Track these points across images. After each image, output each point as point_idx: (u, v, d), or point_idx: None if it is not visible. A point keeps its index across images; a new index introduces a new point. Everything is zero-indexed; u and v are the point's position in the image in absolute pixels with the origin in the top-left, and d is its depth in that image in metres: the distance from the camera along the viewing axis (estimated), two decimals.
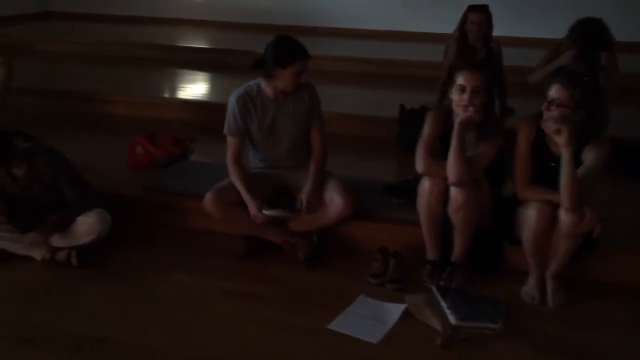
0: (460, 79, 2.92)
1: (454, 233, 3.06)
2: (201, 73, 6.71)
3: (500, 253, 3.17)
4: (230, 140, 3.30)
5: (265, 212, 3.14)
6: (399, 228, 3.32)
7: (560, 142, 2.70)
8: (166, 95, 5.97)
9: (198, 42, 8.00)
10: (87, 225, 3.14)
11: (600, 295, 3.00)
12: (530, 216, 2.83)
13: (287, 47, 3.15)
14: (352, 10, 8.02)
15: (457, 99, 2.93)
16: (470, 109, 2.87)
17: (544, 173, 2.91)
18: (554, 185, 2.83)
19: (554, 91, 2.78)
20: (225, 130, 3.31)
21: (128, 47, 7.17)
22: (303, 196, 3.19)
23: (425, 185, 2.98)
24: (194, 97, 5.76)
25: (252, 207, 3.16)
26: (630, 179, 4.07)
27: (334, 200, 3.17)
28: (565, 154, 2.71)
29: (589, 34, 4.18)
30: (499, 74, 4.75)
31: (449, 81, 4.62)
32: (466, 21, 4.68)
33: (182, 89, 6.19)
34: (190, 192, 3.56)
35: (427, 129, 3.04)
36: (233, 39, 7.77)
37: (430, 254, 3.11)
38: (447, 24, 7.45)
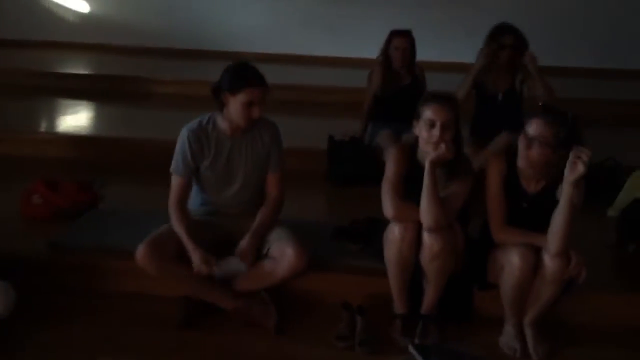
0: (428, 113, 2.65)
1: (424, 282, 2.77)
2: (90, 103, 6.04)
3: (470, 299, 2.92)
4: (177, 181, 2.85)
5: (218, 268, 2.70)
6: (362, 278, 2.99)
7: (570, 178, 2.44)
8: (56, 130, 5.27)
9: (82, 68, 7.27)
10: None
11: (583, 342, 2.82)
12: (512, 263, 2.60)
13: (238, 71, 2.78)
14: (247, 33, 7.63)
15: (426, 136, 2.65)
16: (442, 145, 2.60)
17: (514, 214, 2.71)
18: (525, 227, 2.65)
19: (534, 128, 2.57)
20: (173, 168, 2.86)
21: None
22: (241, 244, 2.79)
23: (395, 231, 2.66)
24: (86, 132, 5.12)
25: (196, 258, 2.70)
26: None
27: (286, 254, 2.76)
28: (567, 192, 2.48)
29: (500, 28, 4.10)
30: None
31: (373, 109, 4.56)
32: (389, 47, 4.47)
33: (71, 122, 5.50)
34: (110, 247, 3.05)
35: (391, 167, 2.74)
36: (121, 63, 7.15)
37: (399, 307, 2.80)
38: (341, 47, 7.63)
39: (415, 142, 2.77)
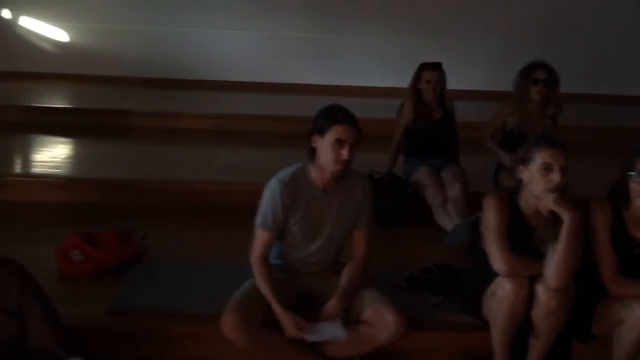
0: (543, 157, 2.50)
1: (530, 338, 2.61)
2: (73, 139, 5.58)
3: (569, 352, 2.78)
4: (263, 236, 2.63)
5: (312, 334, 2.47)
6: (449, 334, 2.81)
7: None
8: (58, 172, 4.83)
9: (68, 102, 6.85)
10: None
11: None
12: (637, 317, 2.47)
13: (327, 111, 2.62)
14: (235, 62, 7.40)
15: (544, 181, 2.50)
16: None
17: (625, 262, 2.59)
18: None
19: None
20: (259, 221, 2.64)
21: None
22: (328, 306, 2.58)
23: (507, 287, 2.49)
24: (90, 174, 4.66)
25: (287, 322, 2.50)
26: None
27: (385, 320, 2.55)
28: None
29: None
30: (454, 134, 4.48)
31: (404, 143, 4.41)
32: (420, 80, 4.35)
33: (67, 161, 5.11)
34: (170, 309, 2.82)
35: (494, 218, 2.57)
36: (103, 95, 6.76)
37: None
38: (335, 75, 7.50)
39: (514, 189, 2.63)
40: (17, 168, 5.01)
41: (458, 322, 2.78)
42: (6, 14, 7.22)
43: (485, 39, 7.39)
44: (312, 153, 2.62)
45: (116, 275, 3.12)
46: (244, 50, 7.45)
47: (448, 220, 3.91)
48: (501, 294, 2.51)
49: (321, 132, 2.57)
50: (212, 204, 4.16)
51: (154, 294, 2.95)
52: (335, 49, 7.49)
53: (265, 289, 2.56)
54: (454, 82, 4.50)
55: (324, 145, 2.57)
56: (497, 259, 2.51)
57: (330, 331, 2.53)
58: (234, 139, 5.66)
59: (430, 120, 4.37)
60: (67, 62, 7.24)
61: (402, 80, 4.47)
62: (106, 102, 6.47)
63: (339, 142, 2.55)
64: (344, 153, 2.55)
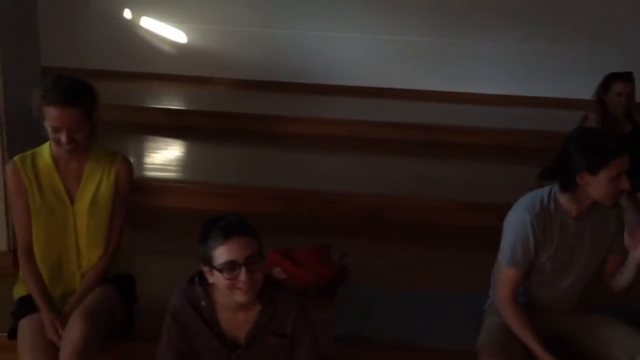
0: None
1: None
2: (226, 143, 5.37)
3: None
4: (512, 273, 2.41)
5: None
6: None
7: None
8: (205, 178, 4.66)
9: (194, 104, 6.68)
10: None
11: None
12: None
13: (593, 145, 2.32)
14: (350, 66, 7.16)
15: None
16: None
17: None
18: None
19: None
20: (507, 259, 2.41)
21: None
22: None
23: None
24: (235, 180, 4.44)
25: None
26: None
27: None
28: None
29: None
30: None
31: None
32: (608, 91, 4.02)
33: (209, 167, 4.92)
34: (412, 342, 2.62)
35: None
36: (227, 98, 6.62)
37: None
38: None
39: None
40: (172, 173, 4.81)
41: None
42: (127, 14, 7.14)
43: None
44: (568, 185, 2.36)
45: (319, 296, 2.89)
46: (360, 53, 7.20)
47: None
48: None
49: (593, 170, 2.29)
50: (383, 218, 3.93)
51: (376, 322, 2.74)
52: (454, 54, 7.19)
53: (522, 332, 2.34)
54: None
55: (599, 183, 2.30)
56: None
57: None
58: (363, 147, 5.41)
59: (618, 135, 4.02)
60: (183, 64, 7.15)
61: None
62: (230, 105, 6.29)
63: (619, 176, 2.29)
64: (624, 183, 2.30)
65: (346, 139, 5.56)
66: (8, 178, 2.50)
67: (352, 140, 5.52)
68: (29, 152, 2.52)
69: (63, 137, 2.33)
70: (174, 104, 6.48)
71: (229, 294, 1.95)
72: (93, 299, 2.42)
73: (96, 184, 2.49)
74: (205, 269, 1.99)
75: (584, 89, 4.38)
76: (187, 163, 5.06)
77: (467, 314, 2.64)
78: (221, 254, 1.91)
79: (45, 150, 2.49)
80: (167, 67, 7.08)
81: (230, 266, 1.90)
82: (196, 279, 2.06)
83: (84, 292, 2.45)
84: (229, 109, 6.06)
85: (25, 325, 2.39)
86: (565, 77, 6.75)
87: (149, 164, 4.79)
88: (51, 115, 2.31)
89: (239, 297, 1.94)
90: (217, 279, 1.94)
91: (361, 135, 5.62)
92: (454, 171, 4.96)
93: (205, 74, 7.11)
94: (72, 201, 2.48)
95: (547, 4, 6.87)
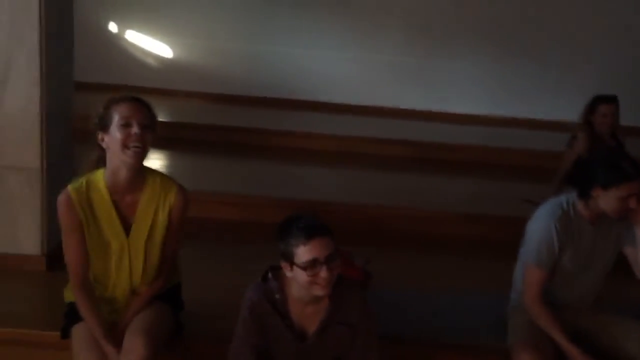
0: None
1: None
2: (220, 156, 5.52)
3: None
4: (539, 274, 2.64)
5: None
6: None
7: None
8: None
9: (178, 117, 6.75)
10: None
11: None
12: None
13: (614, 165, 2.57)
14: (339, 85, 7.37)
15: None
16: None
17: None
18: None
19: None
20: (535, 261, 2.64)
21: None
22: None
23: None
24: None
25: None
26: None
27: None
28: None
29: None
30: None
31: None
32: (594, 113, 4.34)
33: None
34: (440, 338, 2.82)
35: None
36: (212, 112, 6.76)
37: None
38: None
39: None
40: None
41: None
42: (113, 27, 7.19)
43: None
44: (583, 194, 2.61)
45: None
46: (343, 72, 7.42)
47: None
48: None
49: (605, 186, 2.53)
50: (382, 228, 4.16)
51: (407, 322, 2.92)
52: (430, 73, 7.46)
53: (553, 330, 2.56)
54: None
55: (608, 199, 2.55)
56: None
57: None
58: (353, 161, 5.64)
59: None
60: (168, 77, 7.23)
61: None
62: (214, 118, 6.43)
63: (629, 197, 2.52)
64: (633, 203, 2.54)
65: (337, 154, 5.78)
66: (62, 211, 2.33)
67: (343, 155, 5.74)
68: (82, 181, 2.37)
69: (135, 129, 2.24)
70: (160, 117, 6.50)
71: (308, 289, 2.10)
72: (149, 319, 2.39)
73: (151, 218, 2.40)
74: (285, 264, 2.13)
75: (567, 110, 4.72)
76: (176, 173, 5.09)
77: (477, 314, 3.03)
78: (304, 252, 2.06)
79: (99, 181, 2.36)
80: (151, 81, 7.14)
81: (313, 264, 2.05)
82: (269, 274, 2.21)
83: (137, 310, 2.43)
84: (214, 121, 6.21)
85: (80, 330, 2.40)
86: (537, 98, 7.15)
87: None
88: (122, 111, 2.27)
89: (318, 291, 2.09)
90: (298, 275, 2.09)
91: (351, 150, 5.84)
92: (443, 184, 5.24)
93: (188, 88, 7.22)
94: (127, 234, 2.39)
95: (520, 26, 7.25)
